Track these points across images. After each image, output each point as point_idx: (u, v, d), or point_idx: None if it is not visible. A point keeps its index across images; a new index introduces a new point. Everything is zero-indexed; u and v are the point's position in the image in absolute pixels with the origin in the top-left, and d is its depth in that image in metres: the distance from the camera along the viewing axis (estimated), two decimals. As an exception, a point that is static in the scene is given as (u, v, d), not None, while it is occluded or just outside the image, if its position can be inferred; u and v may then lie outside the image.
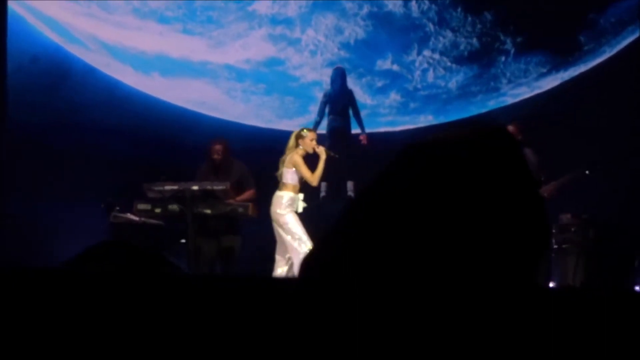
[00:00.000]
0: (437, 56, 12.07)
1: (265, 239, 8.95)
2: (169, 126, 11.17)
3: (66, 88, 10.91)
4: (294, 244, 8.17)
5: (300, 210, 8.42)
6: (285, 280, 1.57)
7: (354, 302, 1.30)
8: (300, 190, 8.58)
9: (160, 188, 9.09)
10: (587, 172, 8.33)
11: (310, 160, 8.67)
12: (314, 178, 8.37)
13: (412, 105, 12.24)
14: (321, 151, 8.43)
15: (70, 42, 11.84)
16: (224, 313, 1.30)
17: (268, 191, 8.87)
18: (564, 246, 8.33)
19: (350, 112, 11.30)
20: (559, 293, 1.57)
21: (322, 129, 10.98)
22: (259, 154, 10.23)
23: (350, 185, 10.97)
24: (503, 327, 1.28)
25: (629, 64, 10.58)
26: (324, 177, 8.96)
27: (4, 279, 1.37)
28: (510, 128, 7.87)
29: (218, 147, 9.36)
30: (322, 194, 10.89)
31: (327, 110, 11.28)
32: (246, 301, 1.32)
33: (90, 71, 11.42)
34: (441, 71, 12.06)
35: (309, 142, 8.43)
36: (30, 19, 11.48)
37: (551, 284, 8.01)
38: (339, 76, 11.43)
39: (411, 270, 1.36)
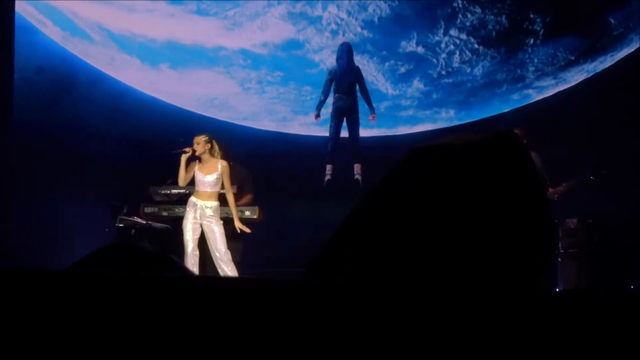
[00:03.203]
0: (464, 36, 12.82)
1: (268, 243, 10.06)
2: (176, 130, 11.97)
3: (71, 98, 12.10)
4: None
5: (191, 213, 9.62)
6: (291, 282, 1.48)
7: (360, 303, 1.39)
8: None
9: (167, 191, 10.20)
10: (591, 177, 9.25)
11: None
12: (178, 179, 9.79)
13: (435, 95, 13.04)
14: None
15: (74, 34, 12.84)
16: (231, 315, 1.39)
17: (270, 197, 9.94)
18: (569, 250, 9.35)
19: (358, 90, 12.13)
20: (564, 296, 1.59)
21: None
22: (265, 159, 11.41)
23: (357, 168, 11.89)
24: (508, 329, 1.37)
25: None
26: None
27: (12, 281, 1.46)
28: (516, 132, 8.73)
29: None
30: (327, 177, 11.80)
31: (332, 88, 12.09)
32: (252, 303, 1.41)
33: (96, 81, 12.49)
34: (467, 54, 12.82)
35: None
36: (33, 12, 12.59)
37: (557, 288, 8.93)
38: (345, 52, 12.21)
39: (417, 271, 1.52)
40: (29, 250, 11.05)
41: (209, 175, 9.62)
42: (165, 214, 10.35)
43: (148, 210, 10.38)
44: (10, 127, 11.83)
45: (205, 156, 9.66)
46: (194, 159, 9.80)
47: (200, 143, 9.63)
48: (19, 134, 11.79)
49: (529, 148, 8.57)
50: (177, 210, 10.19)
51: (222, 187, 9.77)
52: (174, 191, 10.15)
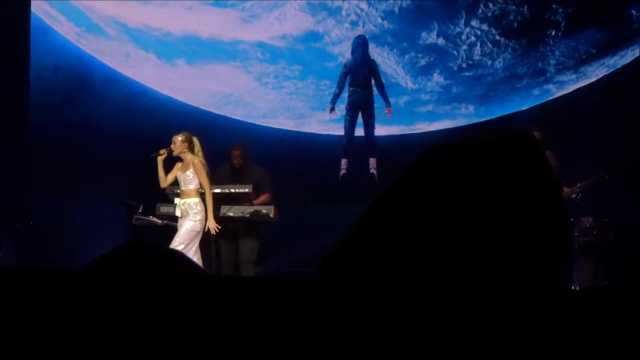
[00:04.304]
0: (485, 27, 13.11)
1: (284, 242, 10.41)
2: (192, 130, 12.38)
3: (87, 97, 12.56)
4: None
5: (178, 214, 9.99)
6: (305, 282, 1.51)
7: (376, 302, 1.42)
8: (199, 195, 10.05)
9: (183, 191, 10.51)
10: (607, 177, 9.55)
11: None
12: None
13: (454, 89, 13.35)
14: None
15: (88, 30, 13.21)
16: (246, 315, 1.42)
17: (286, 196, 10.31)
18: (585, 249, 9.67)
19: (373, 83, 12.47)
20: (580, 295, 1.65)
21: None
22: (281, 158, 11.78)
23: (372, 162, 12.26)
24: (524, 328, 1.40)
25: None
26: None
27: (27, 281, 1.50)
28: (532, 130, 9.03)
29: (237, 152, 10.82)
30: (342, 171, 12.19)
31: (347, 81, 12.43)
32: (267, 303, 1.44)
33: (111, 81, 12.89)
34: (488, 46, 13.10)
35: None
36: (47, 9, 13.00)
37: (572, 287, 9.22)
38: (360, 45, 12.55)
39: (432, 271, 1.55)
40: (45, 249, 11.51)
41: (185, 173, 9.96)
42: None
43: (163, 209, 10.67)
44: (27, 127, 12.29)
45: (184, 155, 9.96)
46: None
47: (177, 142, 9.94)
48: (35, 134, 12.23)
49: (544, 147, 8.89)
50: (192, 210, 10.50)
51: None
52: (190, 190, 10.45)
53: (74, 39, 13.10)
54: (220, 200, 10.41)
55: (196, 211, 9.88)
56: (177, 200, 10.04)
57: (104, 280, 1.55)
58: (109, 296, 1.49)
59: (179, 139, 9.95)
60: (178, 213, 9.97)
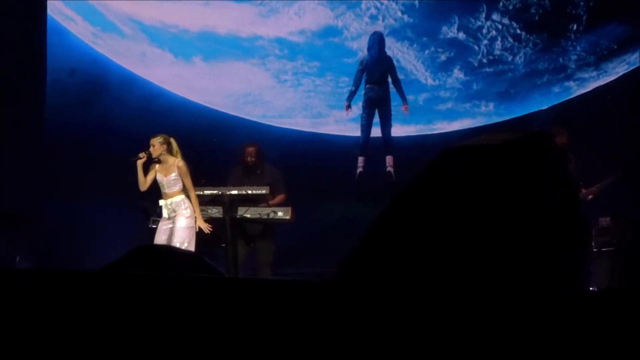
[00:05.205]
0: (506, 21, 13.21)
1: (301, 243, 10.57)
2: (208, 131, 12.73)
3: (103, 99, 12.83)
4: None
5: (165, 215, 10.12)
6: (325, 284, 1.55)
7: (395, 305, 1.46)
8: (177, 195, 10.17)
9: (200, 192, 10.65)
10: (623, 175, 9.66)
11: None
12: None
13: (475, 86, 13.44)
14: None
15: (104, 29, 13.44)
16: (265, 316, 1.47)
17: (302, 197, 10.46)
18: (602, 249, 9.80)
19: (390, 80, 12.67)
20: (598, 295, 1.67)
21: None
22: (298, 159, 12.03)
23: (389, 160, 12.46)
24: (542, 326, 1.45)
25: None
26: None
27: (49, 281, 1.55)
28: (552, 131, 9.16)
29: (251, 149, 10.99)
30: (359, 169, 12.38)
31: (364, 79, 12.64)
32: (283, 304, 1.49)
33: (127, 83, 13.13)
34: (509, 41, 13.19)
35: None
36: (63, 9, 13.24)
37: (590, 287, 9.35)
38: (377, 42, 12.77)
39: (450, 273, 1.60)
40: (60, 250, 11.78)
41: (168, 176, 10.11)
42: (198, 214, 10.83)
43: (179, 211, 10.86)
44: (42, 129, 12.50)
45: (164, 157, 10.12)
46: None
47: (156, 145, 10.09)
48: (51, 135, 12.44)
49: (565, 148, 9.01)
50: (209, 211, 10.65)
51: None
52: (207, 192, 10.60)
53: (89, 39, 13.33)
54: (237, 202, 10.59)
55: (185, 207, 10.05)
56: (161, 202, 10.20)
57: (103, 281, 1.60)
58: (110, 297, 1.54)
59: (158, 141, 10.12)
60: (165, 214, 10.14)
